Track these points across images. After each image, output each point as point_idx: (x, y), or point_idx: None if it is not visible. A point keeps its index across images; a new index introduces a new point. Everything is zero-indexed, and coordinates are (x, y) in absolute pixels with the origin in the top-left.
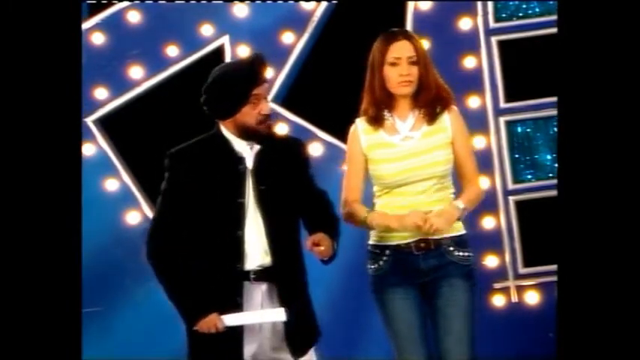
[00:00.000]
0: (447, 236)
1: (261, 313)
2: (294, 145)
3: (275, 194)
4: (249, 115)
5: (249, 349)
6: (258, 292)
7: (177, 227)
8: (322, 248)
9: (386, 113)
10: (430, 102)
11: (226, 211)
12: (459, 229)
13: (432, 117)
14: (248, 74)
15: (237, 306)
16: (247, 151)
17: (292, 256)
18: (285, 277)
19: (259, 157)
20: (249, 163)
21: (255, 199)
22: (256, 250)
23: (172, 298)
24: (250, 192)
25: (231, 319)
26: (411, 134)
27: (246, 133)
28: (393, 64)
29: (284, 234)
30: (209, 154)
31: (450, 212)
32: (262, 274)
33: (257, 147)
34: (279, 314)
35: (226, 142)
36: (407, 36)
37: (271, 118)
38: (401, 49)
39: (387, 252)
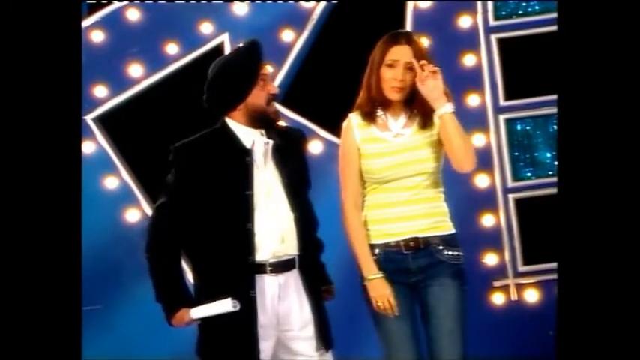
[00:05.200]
0: (436, 235)
1: (217, 304)
2: (298, 137)
3: (293, 183)
4: (259, 96)
5: (267, 344)
6: (274, 284)
7: (180, 222)
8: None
9: (379, 111)
10: (426, 109)
11: (234, 204)
12: (449, 229)
13: (426, 122)
14: (253, 55)
15: (251, 300)
16: (259, 142)
17: (313, 245)
18: (311, 266)
19: (274, 149)
20: (259, 155)
21: (271, 190)
22: (269, 241)
23: (156, 293)
24: (259, 183)
25: (197, 312)
26: (402, 132)
27: (256, 117)
28: (390, 66)
29: (304, 223)
30: (214, 148)
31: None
32: (279, 266)
33: (270, 141)
34: (228, 304)
35: (232, 135)
36: (409, 41)
37: (277, 98)
38: (400, 53)
39: (377, 250)
